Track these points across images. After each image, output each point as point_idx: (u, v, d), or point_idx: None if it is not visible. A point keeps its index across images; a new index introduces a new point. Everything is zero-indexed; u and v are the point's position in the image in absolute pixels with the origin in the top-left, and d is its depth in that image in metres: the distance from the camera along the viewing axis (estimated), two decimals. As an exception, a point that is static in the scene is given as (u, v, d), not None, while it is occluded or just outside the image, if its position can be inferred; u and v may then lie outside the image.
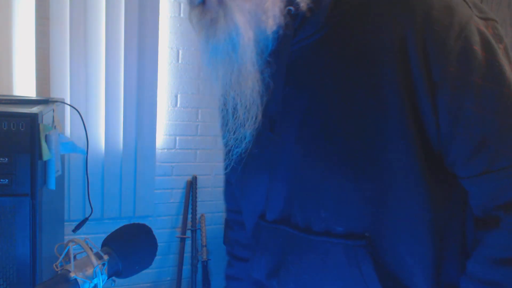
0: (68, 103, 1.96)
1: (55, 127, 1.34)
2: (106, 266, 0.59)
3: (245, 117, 0.64)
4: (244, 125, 0.65)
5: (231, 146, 0.68)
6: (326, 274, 0.65)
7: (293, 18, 0.60)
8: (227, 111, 0.67)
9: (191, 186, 2.45)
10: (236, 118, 0.65)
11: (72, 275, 0.54)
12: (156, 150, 2.33)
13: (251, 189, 0.74)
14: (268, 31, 0.59)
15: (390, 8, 0.57)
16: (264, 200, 0.71)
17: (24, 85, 2.01)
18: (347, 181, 0.60)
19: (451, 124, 0.56)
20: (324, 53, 0.62)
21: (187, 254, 2.47)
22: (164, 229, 2.45)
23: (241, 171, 0.72)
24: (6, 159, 1.06)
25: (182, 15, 2.33)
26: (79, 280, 0.55)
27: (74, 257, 0.57)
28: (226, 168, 0.72)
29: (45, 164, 1.19)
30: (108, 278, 0.61)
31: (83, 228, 1.62)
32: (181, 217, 2.47)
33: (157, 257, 0.70)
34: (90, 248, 0.59)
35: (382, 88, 0.57)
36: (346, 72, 0.60)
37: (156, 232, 0.69)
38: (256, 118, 0.64)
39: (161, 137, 2.38)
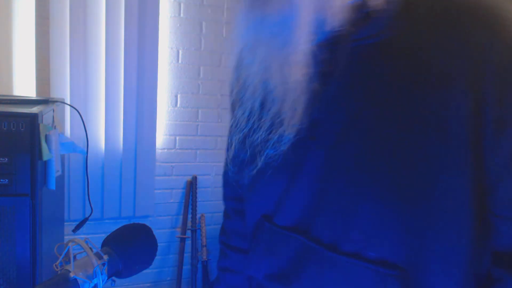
0: (68, 103, 1.96)
1: (55, 127, 1.34)
2: (106, 266, 0.59)
3: (286, 115, 0.56)
4: (284, 125, 0.57)
5: (261, 146, 0.61)
6: None
7: (356, 14, 0.53)
8: (257, 103, 0.59)
9: (191, 186, 2.45)
10: (271, 113, 0.58)
11: (72, 275, 0.54)
12: (156, 150, 2.33)
13: (261, 187, 0.68)
14: (329, 22, 0.52)
15: (471, 31, 0.51)
16: (274, 202, 0.66)
17: (24, 85, 2.01)
18: (389, 207, 0.55)
19: (508, 162, 0.53)
20: (381, 60, 0.55)
21: (187, 254, 2.47)
22: (164, 229, 2.45)
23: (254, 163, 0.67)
24: (6, 159, 1.06)
25: (182, 15, 2.33)
26: (79, 280, 0.55)
27: (74, 257, 0.57)
28: (250, 169, 0.64)
29: (45, 164, 1.19)
30: (108, 278, 0.61)
31: (83, 228, 1.62)
32: (181, 217, 2.47)
33: (157, 257, 0.70)
34: (90, 248, 0.59)
35: (447, 116, 0.52)
36: (405, 88, 0.53)
37: (156, 232, 0.69)
38: (299, 118, 0.56)
39: (161, 137, 2.38)
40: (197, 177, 2.47)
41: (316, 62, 0.54)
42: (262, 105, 0.59)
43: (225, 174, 0.87)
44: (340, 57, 0.55)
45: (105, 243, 0.64)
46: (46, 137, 1.14)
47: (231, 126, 0.69)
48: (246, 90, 0.60)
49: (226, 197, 0.89)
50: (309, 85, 0.55)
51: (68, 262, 0.56)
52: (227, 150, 0.82)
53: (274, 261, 0.68)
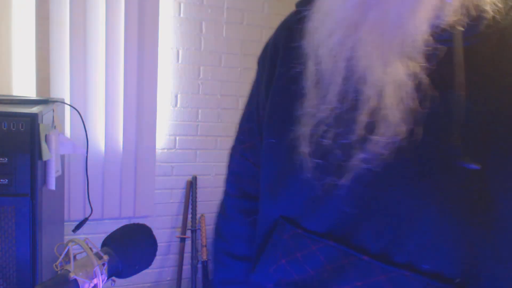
0: (68, 103, 1.96)
1: (55, 127, 1.34)
2: (106, 266, 0.59)
3: (390, 114, 0.49)
4: (387, 124, 0.50)
5: (349, 146, 0.53)
6: None
7: (468, 11, 0.50)
8: (337, 94, 0.52)
9: (191, 186, 2.45)
10: (366, 110, 0.50)
11: (72, 275, 0.54)
12: (156, 150, 2.33)
13: (291, 185, 0.62)
14: (444, 17, 0.48)
15: None
16: (304, 204, 0.60)
17: (24, 85, 2.01)
18: (453, 221, 0.52)
19: None
20: (475, 65, 0.51)
21: (187, 254, 2.47)
22: (164, 229, 2.45)
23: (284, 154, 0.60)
24: (6, 159, 1.06)
25: (182, 15, 2.33)
26: (79, 280, 0.55)
27: (74, 257, 0.57)
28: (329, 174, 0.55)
29: (45, 164, 1.19)
30: (108, 278, 0.60)
31: (83, 228, 1.62)
32: (181, 217, 2.47)
33: (157, 257, 0.70)
34: (90, 248, 0.59)
35: None
36: (496, 101, 0.50)
37: (156, 232, 0.69)
38: (408, 118, 0.49)
39: (161, 137, 2.38)
40: (197, 177, 2.47)
41: (432, 56, 0.49)
42: (350, 97, 0.52)
43: (234, 164, 0.79)
44: (454, 55, 0.50)
45: (105, 243, 0.64)
46: (46, 137, 1.14)
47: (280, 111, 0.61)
48: (324, 75, 0.53)
49: (231, 195, 0.80)
50: (423, 82, 0.49)
51: (68, 262, 0.56)
52: (253, 138, 0.73)
53: (293, 267, 0.63)
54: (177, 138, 2.42)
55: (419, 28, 0.48)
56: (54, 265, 0.57)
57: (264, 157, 0.68)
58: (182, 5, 2.32)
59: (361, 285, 0.57)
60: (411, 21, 0.48)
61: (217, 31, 2.41)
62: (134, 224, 0.68)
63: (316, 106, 0.55)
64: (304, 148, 0.57)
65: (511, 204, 0.50)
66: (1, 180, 1.06)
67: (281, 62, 0.66)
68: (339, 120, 0.54)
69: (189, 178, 2.47)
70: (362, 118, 0.51)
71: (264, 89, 0.70)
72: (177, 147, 2.43)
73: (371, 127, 0.51)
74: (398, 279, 0.55)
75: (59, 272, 0.56)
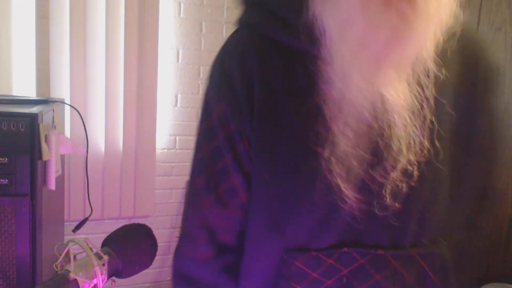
0: (68, 103, 1.96)
1: (55, 127, 1.34)
2: (106, 266, 0.59)
3: (412, 134, 0.55)
4: (405, 148, 0.55)
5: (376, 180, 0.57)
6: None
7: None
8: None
9: (191, 186, 2.45)
10: (386, 136, 0.55)
11: (72, 275, 0.54)
12: (156, 150, 2.33)
13: (293, 211, 0.62)
14: (439, 42, 0.56)
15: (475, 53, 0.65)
16: (310, 227, 0.61)
17: (24, 85, 2.01)
18: (438, 200, 0.64)
19: None
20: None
21: (187, 254, 2.47)
22: (164, 229, 2.45)
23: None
24: (6, 159, 1.06)
25: (182, 15, 2.33)
26: (79, 280, 0.55)
27: (74, 257, 0.57)
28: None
29: (45, 164, 1.19)
30: (108, 278, 0.61)
31: (83, 228, 1.62)
32: (181, 217, 2.47)
33: (157, 257, 0.70)
34: (90, 248, 0.59)
35: (474, 110, 0.65)
36: (459, 94, 0.63)
37: (156, 232, 0.69)
38: (428, 137, 0.57)
39: (161, 137, 2.38)
40: (197, 177, 2.47)
41: (438, 68, 0.56)
42: (373, 124, 0.55)
43: (209, 219, 0.66)
44: (450, 64, 0.60)
45: (105, 243, 0.64)
46: (46, 137, 1.14)
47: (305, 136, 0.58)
48: (344, 106, 0.55)
49: (206, 259, 0.67)
50: (431, 101, 0.56)
51: (68, 262, 0.57)
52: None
53: (311, 286, 0.62)
54: (177, 138, 2.42)
55: (428, 57, 0.54)
56: (54, 265, 0.57)
57: (260, 192, 0.63)
58: (182, 5, 2.32)
59: (380, 278, 0.62)
60: (423, 53, 0.54)
61: (217, 31, 2.41)
62: (134, 224, 0.68)
63: (338, 136, 0.56)
64: (338, 180, 0.56)
65: (470, 183, 0.68)
66: (1, 180, 1.06)
67: (267, 88, 0.60)
68: (368, 147, 0.56)
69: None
70: (390, 141, 0.55)
71: (244, 114, 0.62)
72: (177, 147, 2.43)
73: (399, 148, 0.55)
74: (408, 260, 0.62)
75: (59, 272, 0.56)
